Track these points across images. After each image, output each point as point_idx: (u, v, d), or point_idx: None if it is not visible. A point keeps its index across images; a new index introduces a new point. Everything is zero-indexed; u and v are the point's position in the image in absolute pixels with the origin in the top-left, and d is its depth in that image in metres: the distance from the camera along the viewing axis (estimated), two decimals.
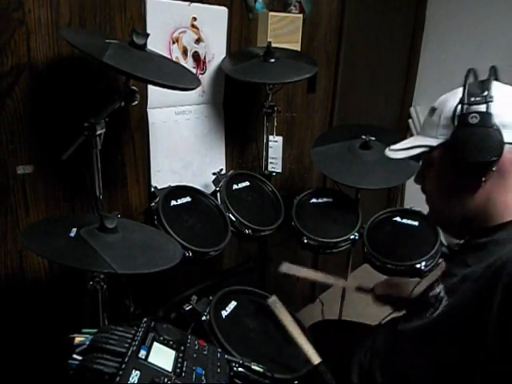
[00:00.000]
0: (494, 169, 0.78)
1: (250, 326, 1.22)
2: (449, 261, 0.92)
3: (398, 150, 0.93)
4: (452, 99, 0.83)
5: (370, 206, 1.91)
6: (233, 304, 1.26)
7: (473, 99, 0.78)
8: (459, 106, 0.79)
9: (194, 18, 1.48)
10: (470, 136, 0.78)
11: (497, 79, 0.84)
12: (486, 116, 0.76)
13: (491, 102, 0.76)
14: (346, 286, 1.38)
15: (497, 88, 0.79)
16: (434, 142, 0.86)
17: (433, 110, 0.88)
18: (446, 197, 0.88)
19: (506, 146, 0.76)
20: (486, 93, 0.77)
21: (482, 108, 0.77)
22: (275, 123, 1.69)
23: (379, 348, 0.97)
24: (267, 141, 1.69)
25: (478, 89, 0.79)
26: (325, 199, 1.70)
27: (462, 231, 0.88)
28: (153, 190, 1.36)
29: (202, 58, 1.55)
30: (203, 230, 1.37)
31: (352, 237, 1.56)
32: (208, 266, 1.43)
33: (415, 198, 3.33)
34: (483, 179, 0.79)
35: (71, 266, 0.88)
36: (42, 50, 1.15)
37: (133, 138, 1.43)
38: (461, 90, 0.81)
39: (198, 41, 1.52)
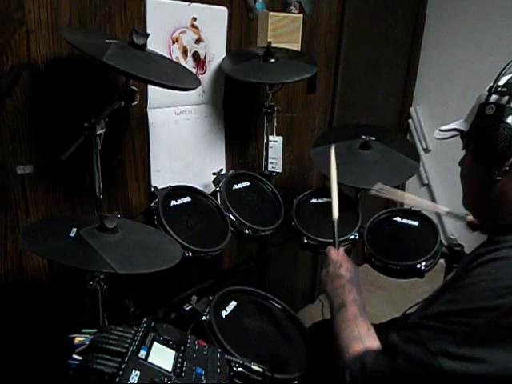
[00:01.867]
0: (507, 163, 0.76)
1: (250, 326, 1.23)
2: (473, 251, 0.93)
3: (442, 131, 0.92)
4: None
5: (369, 206, 1.91)
6: (233, 304, 1.26)
7: (499, 89, 0.76)
8: (487, 95, 0.78)
9: (194, 18, 1.48)
10: (482, 127, 0.77)
11: None
12: (503, 108, 0.74)
13: None
14: (437, 211, 1.39)
15: None
16: (465, 128, 0.85)
17: (479, 96, 0.85)
18: (469, 185, 0.88)
19: None
20: None
21: (504, 100, 0.75)
22: (275, 123, 1.68)
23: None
24: (267, 141, 1.69)
25: (510, 79, 0.77)
26: (325, 199, 1.70)
27: (486, 221, 0.88)
28: (153, 189, 1.36)
29: (202, 58, 1.55)
30: (203, 230, 1.37)
31: (352, 237, 1.56)
32: (208, 266, 1.43)
33: None
34: (496, 173, 0.78)
35: (71, 266, 0.88)
36: (42, 50, 1.15)
37: (133, 138, 1.43)
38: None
39: (198, 41, 1.52)
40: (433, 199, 3.01)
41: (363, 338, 0.88)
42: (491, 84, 0.78)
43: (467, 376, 0.67)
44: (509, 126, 0.74)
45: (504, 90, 0.75)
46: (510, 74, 0.79)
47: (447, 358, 0.68)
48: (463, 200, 0.92)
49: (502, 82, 0.78)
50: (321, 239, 1.53)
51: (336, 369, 0.87)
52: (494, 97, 0.77)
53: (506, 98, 0.75)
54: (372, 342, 0.87)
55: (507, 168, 0.77)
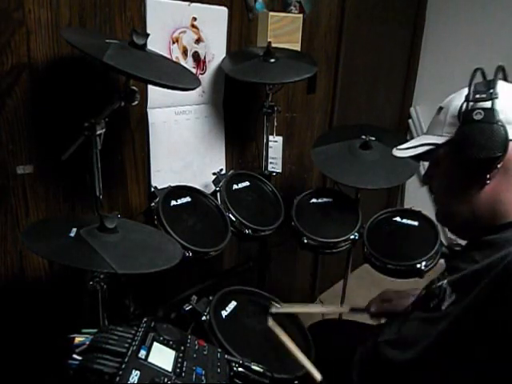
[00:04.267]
0: (498, 166, 0.77)
1: (250, 326, 1.22)
2: (454, 257, 0.92)
3: (405, 149, 0.94)
4: (458, 98, 0.84)
5: (370, 206, 1.91)
6: (233, 304, 1.25)
7: (478, 96, 0.78)
8: (465, 104, 0.80)
9: (194, 18, 1.48)
10: (474, 132, 0.78)
11: (505, 78, 0.84)
12: (491, 112, 0.76)
13: (496, 98, 0.77)
14: (340, 312, 1.39)
15: (503, 86, 0.79)
16: (439, 140, 0.86)
17: (440, 109, 0.89)
18: (452, 195, 0.87)
19: (511, 143, 0.76)
20: (491, 90, 0.77)
21: (487, 105, 0.77)
22: (275, 123, 1.68)
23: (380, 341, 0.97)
24: (267, 141, 1.69)
25: (483, 87, 0.79)
26: (325, 199, 1.70)
27: (469, 231, 0.88)
28: (153, 189, 1.36)
29: (202, 58, 1.55)
30: (203, 230, 1.37)
31: (352, 237, 1.56)
32: (208, 266, 1.43)
33: (415, 198, 3.34)
34: (488, 176, 0.79)
35: (71, 266, 0.88)
36: (42, 50, 1.15)
37: (133, 138, 1.43)
38: (467, 89, 0.81)
39: (198, 41, 1.52)
40: None
41: None
42: (466, 94, 0.80)
43: None
44: (503, 126, 0.76)
45: (483, 96, 0.78)
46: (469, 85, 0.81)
47: None
48: (440, 215, 0.93)
49: (471, 89, 0.80)
50: (321, 239, 1.54)
51: None
52: (473, 104, 0.79)
53: (489, 102, 0.77)
54: None
55: (497, 169, 0.78)
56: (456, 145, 0.81)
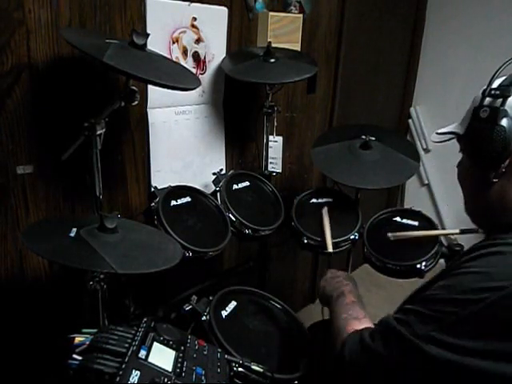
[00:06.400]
0: (504, 165, 0.76)
1: (250, 326, 1.23)
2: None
3: (439, 134, 0.92)
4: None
5: (370, 206, 1.91)
6: (233, 304, 1.26)
7: (493, 92, 0.77)
8: (480, 99, 0.78)
9: (194, 18, 1.48)
10: (477, 130, 0.78)
11: None
12: (497, 111, 0.75)
13: (509, 96, 0.75)
14: (452, 233, 1.39)
15: None
16: (461, 131, 0.85)
17: (474, 99, 0.86)
18: (467, 186, 0.88)
19: None
20: (506, 87, 0.75)
21: (497, 103, 0.75)
22: (275, 123, 1.68)
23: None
24: (267, 141, 1.69)
25: (503, 82, 0.77)
26: (325, 199, 1.70)
27: (485, 222, 0.88)
28: (153, 189, 1.36)
29: (202, 58, 1.55)
30: (203, 230, 1.37)
31: (352, 237, 1.56)
32: (208, 266, 1.43)
33: (415, 198, 3.33)
34: (493, 175, 0.78)
35: (71, 266, 0.88)
36: (42, 50, 1.15)
37: (133, 138, 1.43)
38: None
39: (198, 41, 1.52)
40: (433, 199, 3.01)
41: (362, 321, 0.91)
42: (485, 87, 0.78)
43: (449, 364, 0.67)
44: (503, 129, 0.74)
45: (497, 92, 0.76)
46: (503, 76, 0.79)
47: (431, 343, 0.69)
48: (465, 204, 0.92)
49: (495, 84, 0.78)
50: (321, 239, 1.53)
51: (334, 351, 0.88)
52: (487, 100, 0.77)
53: (500, 100, 0.75)
54: (369, 324, 0.89)
55: (503, 170, 0.77)
56: (466, 140, 0.81)
